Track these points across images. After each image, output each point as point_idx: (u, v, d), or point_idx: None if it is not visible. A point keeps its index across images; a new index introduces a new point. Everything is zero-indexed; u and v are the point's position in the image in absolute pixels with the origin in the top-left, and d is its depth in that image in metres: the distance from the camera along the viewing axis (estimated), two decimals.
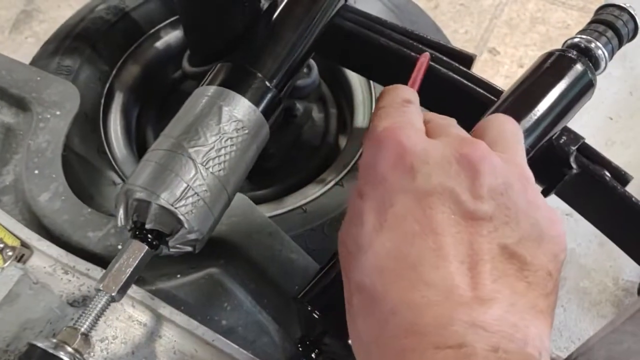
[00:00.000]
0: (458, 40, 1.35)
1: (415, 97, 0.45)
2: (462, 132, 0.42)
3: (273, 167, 0.89)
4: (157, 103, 0.95)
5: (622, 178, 0.62)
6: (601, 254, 1.09)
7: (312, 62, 0.90)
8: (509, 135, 0.42)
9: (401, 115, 0.41)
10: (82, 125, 0.82)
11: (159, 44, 0.93)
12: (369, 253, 0.36)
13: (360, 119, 0.87)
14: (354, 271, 0.37)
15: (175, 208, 0.48)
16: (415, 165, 0.36)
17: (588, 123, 1.25)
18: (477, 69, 1.31)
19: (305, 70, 0.91)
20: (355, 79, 0.91)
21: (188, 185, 0.48)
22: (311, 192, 0.79)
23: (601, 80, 1.42)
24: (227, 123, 0.52)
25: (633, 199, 0.62)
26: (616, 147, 1.22)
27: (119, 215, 0.50)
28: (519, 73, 1.27)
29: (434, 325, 0.32)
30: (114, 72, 0.89)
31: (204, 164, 0.50)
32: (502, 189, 0.36)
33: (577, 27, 0.71)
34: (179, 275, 0.65)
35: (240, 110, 0.54)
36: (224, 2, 0.65)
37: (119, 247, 0.65)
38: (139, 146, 0.90)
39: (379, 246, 0.35)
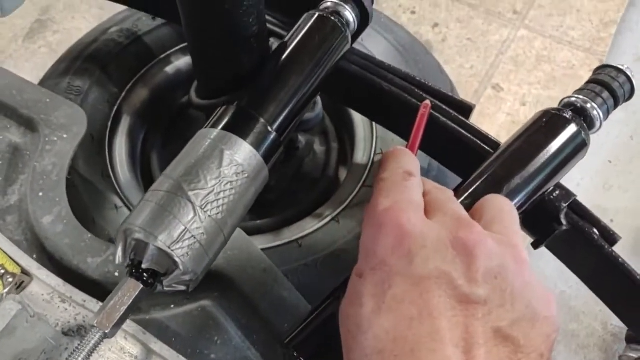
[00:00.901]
0: (463, 75, 1.37)
1: (416, 167, 0.47)
2: (460, 209, 0.43)
3: (273, 199, 0.91)
4: (163, 127, 0.97)
5: (611, 238, 0.64)
6: (591, 298, 1.10)
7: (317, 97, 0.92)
8: (506, 217, 0.44)
9: (402, 192, 0.43)
10: (88, 148, 0.84)
11: (169, 69, 0.95)
12: (369, 334, 0.37)
13: (360, 156, 0.88)
14: (355, 351, 0.38)
15: (172, 250, 0.49)
16: (413, 249, 0.38)
17: (587, 166, 1.27)
18: (480, 105, 1.33)
19: None
20: (358, 116, 0.92)
21: (186, 228, 0.50)
22: (307, 226, 0.81)
23: (603, 123, 1.43)
24: (228, 167, 0.54)
25: (620, 259, 0.63)
26: (614, 191, 1.23)
27: (117, 253, 0.51)
28: (521, 111, 1.28)
29: None
30: (122, 94, 0.91)
31: (203, 207, 0.51)
32: (497, 271, 0.37)
33: (582, 67, 0.73)
34: (172, 306, 0.66)
35: (241, 155, 0.55)
36: (233, 42, 0.67)
37: (117, 274, 0.66)
38: (143, 171, 0.92)
39: (378, 328, 0.37)
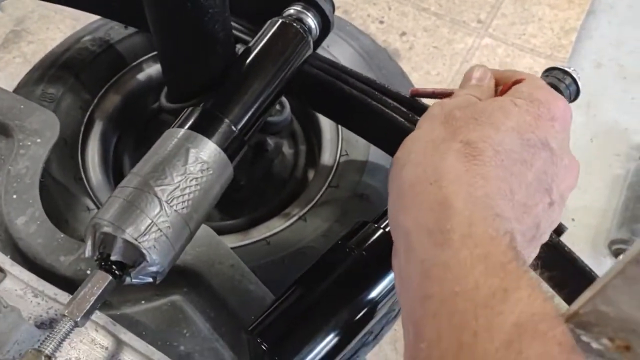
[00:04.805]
0: (430, 81, 1.42)
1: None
2: None
3: (242, 198, 0.94)
4: (135, 132, 0.99)
5: (557, 229, 0.68)
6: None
7: (285, 100, 0.95)
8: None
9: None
10: (61, 152, 0.86)
11: (141, 76, 0.98)
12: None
13: (327, 157, 0.92)
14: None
15: (139, 242, 0.52)
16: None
17: None
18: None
19: (278, 107, 0.96)
20: (325, 119, 0.96)
21: (152, 222, 0.53)
22: (276, 225, 0.84)
23: None
24: (193, 164, 0.57)
25: (566, 247, 0.67)
26: (574, 192, 1.28)
27: (86, 247, 0.54)
28: None
29: None
30: (95, 101, 0.93)
31: (169, 202, 0.54)
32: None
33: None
34: (143, 301, 0.69)
35: (206, 152, 0.58)
36: (199, 49, 0.70)
37: (88, 271, 0.69)
38: (115, 173, 0.94)
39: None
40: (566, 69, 0.73)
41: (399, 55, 1.47)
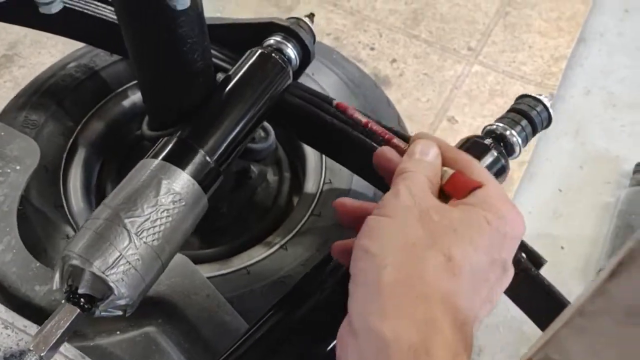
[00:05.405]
0: (420, 108, 1.42)
1: None
2: None
3: (224, 226, 0.93)
4: (118, 159, 0.99)
5: (537, 261, 0.67)
6: None
7: (269, 127, 0.95)
8: None
9: None
10: (42, 179, 0.86)
11: (125, 103, 0.98)
12: None
13: (310, 185, 0.91)
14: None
15: (107, 276, 0.51)
16: None
17: (537, 194, 1.31)
18: (435, 136, 1.38)
19: (262, 134, 0.96)
20: (309, 147, 0.96)
21: (121, 254, 0.52)
22: (256, 254, 0.83)
23: (553, 153, 1.49)
24: (165, 195, 0.57)
25: (545, 281, 0.67)
26: (563, 219, 1.27)
27: (55, 279, 0.53)
28: None
29: None
30: (78, 127, 0.93)
31: (138, 234, 0.54)
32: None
33: None
34: (118, 332, 0.68)
35: (179, 184, 0.58)
36: (179, 78, 0.70)
37: (63, 301, 0.68)
38: (98, 200, 0.94)
39: None
40: (538, 96, 0.74)
41: (389, 82, 1.47)
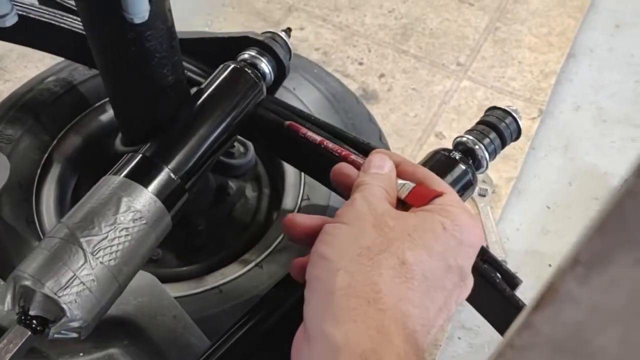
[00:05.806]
0: (408, 122, 1.40)
1: None
2: None
3: (201, 244, 0.91)
4: (95, 174, 0.97)
5: (512, 281, 0.66)
6: None
7: (249, 142, 0.93)
8: None
9: None
10: (15, 195, 0.84)
11: (103, 117, 0.97)
12: None
13: (289, 202, 0.90)
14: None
15: (59, 297, 0.49)
16: None
17: (526, 211, 1.30)
18: (423, 152, 1.36)
19: (242, 149, 0.95)
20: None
21: (75, 275, 0.51)
22: (231, 273, 0.81)
23: (542, 169, 1.47)
24: (124, 213, 0.55)
25: (520, 302, 0.65)
26: (550, 236, 1.25)
27: (7, 300, 0.51)
28: None
29: None
30: (54, 142, 0.92)
31: (94, 253, 0.52)
32: None
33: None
34: (81, 354, 0.66)
35: (139, 202, 0.56)
36: (149, 92, 0.68)
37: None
38: None
39: None
40: (507, 108, 0.73)
41: (377, 96, 1.46)
